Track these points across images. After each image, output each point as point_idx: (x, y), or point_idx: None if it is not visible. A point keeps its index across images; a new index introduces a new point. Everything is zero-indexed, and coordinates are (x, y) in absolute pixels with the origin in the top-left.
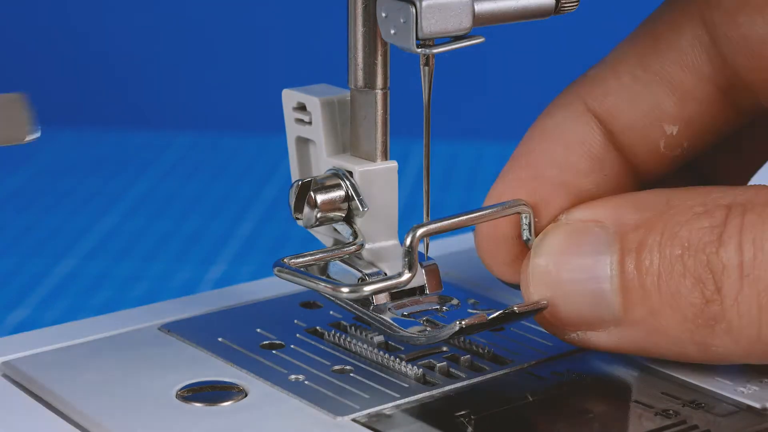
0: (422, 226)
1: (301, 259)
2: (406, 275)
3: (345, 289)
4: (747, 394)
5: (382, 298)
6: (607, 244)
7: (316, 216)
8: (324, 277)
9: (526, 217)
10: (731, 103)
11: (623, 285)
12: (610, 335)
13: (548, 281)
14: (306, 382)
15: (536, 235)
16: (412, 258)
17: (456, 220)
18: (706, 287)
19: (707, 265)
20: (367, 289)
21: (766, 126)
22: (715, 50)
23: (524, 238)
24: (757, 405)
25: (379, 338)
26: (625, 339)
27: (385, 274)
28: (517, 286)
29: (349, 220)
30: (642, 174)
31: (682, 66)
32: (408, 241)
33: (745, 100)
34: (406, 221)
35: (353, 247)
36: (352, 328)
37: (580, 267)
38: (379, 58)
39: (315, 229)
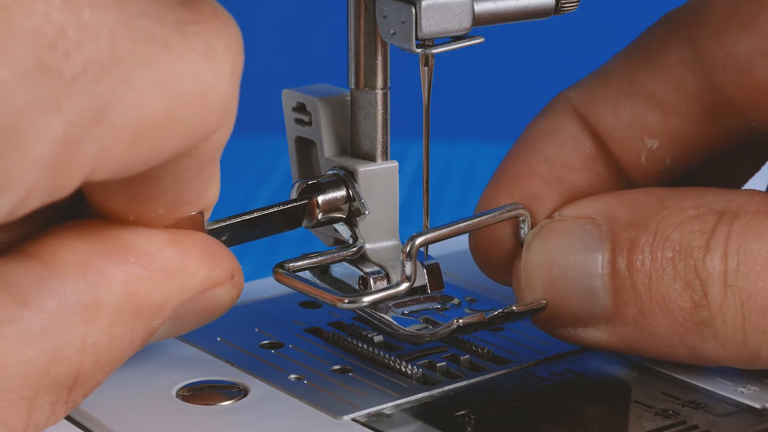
0: (421, 234)
1: (300, 263)
2: (405, 284)
3: (343, 300)
4: (747, 394)
5: None
6: (599, 241)
7: (316, 216)
8: (323, 284)
9: (524, 221)
10: (718, 123)
11: (614, 283)
12: (601, 332)
13: (540, 277)
14: (306, 382)
15: None
16: (411, 266)
17: (455, 227)
18: (695, 292)
19: (695, 271)
20: (366, 300)
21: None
22: (700, 69)
23: (521, 238)
24: (757, 405)
25: (379, 338)
26: (616, 337)
27: (386, 273)
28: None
29: (349, 221)
30: (630, 181)
31: (667, 83)
32: (407, 249)
33: (732, 119)
34: (404, 220)
35: (353, 250)
36: (353, 327)
37: (572, 264)
38: (379, 58)
39: (315, 228)
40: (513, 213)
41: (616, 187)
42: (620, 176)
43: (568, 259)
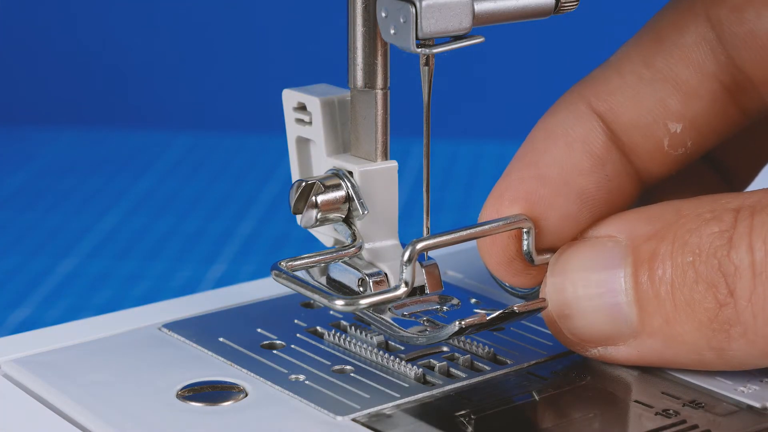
0: (422, 240)
1: (298, 262)
2: (403, 288)
3: (340, 302)
4: (747, 393)
5: None
6: (621, 257)
7: (316, 216)
8: (321, 285)
9: (528, 232)
10: (736, 103)
11: (638, 296)
12: (630, 348)
13: (565, 299)
14: (306, 382)
15: (536, 248)
16: (410, 271)
17: (457, 234)
18: (719, 291)
19: (719, 269)
20: (363, 302)
21: None
22: (721, 48)
23: (524, 250)
24: (757, 404)
25: (379, 338)
26: (645, 350)
27: (385, 274)
28: (511, 288)
29: (348, 221)
30: (644, 174)
31: (687, 64)
32: (407, 255)
33: (750, 99)
34: (406, 221)
35: (351, 250)
36: (352, 328)
37: (596, 282)
38: (379, 58)
39: (315, 228)
40: (517, 224)
41: (623, 189)
42: (630, 175)
43: (591, 278)
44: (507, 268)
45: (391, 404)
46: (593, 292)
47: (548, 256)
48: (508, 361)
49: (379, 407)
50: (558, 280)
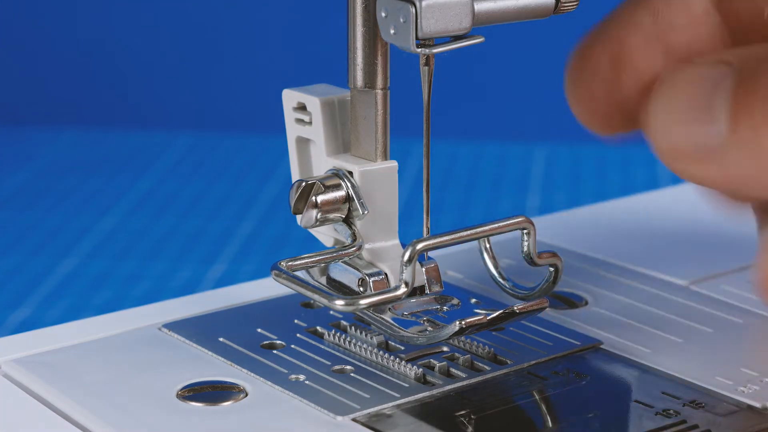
0: (422, 240)
1: (299, 262)
2: (403, 289)
3: (340, 302)
4: (747, 393)
5: None
6: (721, 75)
7: (316, 216)
8: (321, 284)
9: (528, 233)
10: None
11: (733, 105)
12: (716, 165)
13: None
14: (306, 382)
15: (535, 251)
16: (410, 271)
17: (457, 234)
18: None
19: None
20: (363, 302)
21: None
22: None
23: (524, 251)
24: (757, 404)
25: (379, 338)
26: (731, 166)
27: (385, 274)
28: (511, 289)
29: (348, 221)
30: (739, 42)
31: None
32: (407, 255)
33: None
34: (406, 221)
35: (351, 250)
36: (352, 328)
37: (698, 77)
38: (379, 58)
39: (315, 228)
40: (517, 225)
41: (715, 50)
42: (723, 40)
43: (694, 74)
44: (603, 119)
45: (391, 404)
46: (693, 89)
47: (547, 258)
48: (508, 361)
49: (379, 407)
50: (665, 75)
